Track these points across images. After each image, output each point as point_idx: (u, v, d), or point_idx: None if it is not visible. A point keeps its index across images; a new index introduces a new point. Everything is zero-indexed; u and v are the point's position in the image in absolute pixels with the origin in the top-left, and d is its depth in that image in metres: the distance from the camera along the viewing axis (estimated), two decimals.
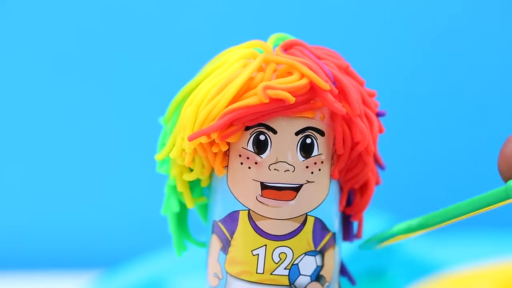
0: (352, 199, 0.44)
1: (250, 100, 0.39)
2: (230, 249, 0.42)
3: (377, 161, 0.45)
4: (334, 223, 0.42)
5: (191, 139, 0.40)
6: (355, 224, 0.46)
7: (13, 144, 0.92)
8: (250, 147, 0.40)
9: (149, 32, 0.91)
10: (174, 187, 0.43)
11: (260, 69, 0.41)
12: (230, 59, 0.41)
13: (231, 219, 0.42)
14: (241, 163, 0.41)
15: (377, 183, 0.45)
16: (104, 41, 0.91)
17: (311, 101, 0.40)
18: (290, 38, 0.43)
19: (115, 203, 0.93)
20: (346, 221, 0.45)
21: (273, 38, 0.43)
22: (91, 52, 0.92)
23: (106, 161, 0.93)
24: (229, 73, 0.40)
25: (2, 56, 0.91)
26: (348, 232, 0.46)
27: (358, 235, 0.46)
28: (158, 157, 0.42)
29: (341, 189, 0.43)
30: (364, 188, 0.44)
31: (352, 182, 0.43)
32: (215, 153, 0.41)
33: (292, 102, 0.39)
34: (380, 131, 0.43)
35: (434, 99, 0.93)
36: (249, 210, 0.41)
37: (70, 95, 0.92)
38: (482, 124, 0.93)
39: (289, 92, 0.39)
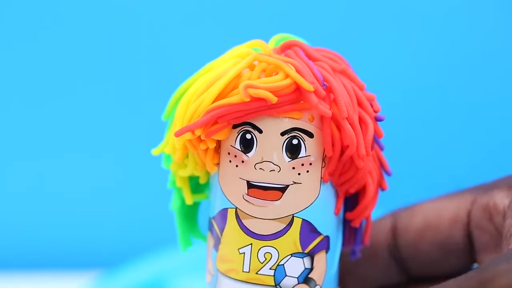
0: (352, 204, 0.44)
1: (233, 98, 0.39)
2: (220, 246, 0.42)
3: (382, 166, 0.44)
4: (327, 227, 0.42)
5: (176, 135, 0.40)
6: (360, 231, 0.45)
7: (13, 144, 0.91)
8: (237, 145, 0.41)
9: (161, 32, 0.89)
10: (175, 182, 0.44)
11: (252, 68, 0.41)
12: (225, 57, 0.42)
13: (221, 217, 0.42)
14: (230, 161, 0.41)
15: (382, 188, 0.44)
16: (108, 44, 0.89)
17: (301, 102, 0.40)
18: (292, 38, 0.43)
19: (115, 203, 0.91)
20: (347, 226, 0.44)
21: (275, 38, 0.43)
22: (99, 53, 0.90)
23: (106, 161, 0.91)
24: (219, 71, 0.41)
25: (3, 56, 0.90)
26: (349, 238, 0.45)
27: (363, 242, 0.45)
28: (154, 152, 0.43)
29: (336, 193, 0.42)
30: (362, 193, 0.43)
31: (347, 186, 0.42)
32: (205, 150, 0.41)
33: (273, 102, 0.39)
34: (378, 135, 0.42)
35: (439, 102, 0.90)
36: (236, 208, 0.41)
37: (76, 94, 0.90)
38: (484, 126, 0.90)
39: (271, 92, 0.39)
